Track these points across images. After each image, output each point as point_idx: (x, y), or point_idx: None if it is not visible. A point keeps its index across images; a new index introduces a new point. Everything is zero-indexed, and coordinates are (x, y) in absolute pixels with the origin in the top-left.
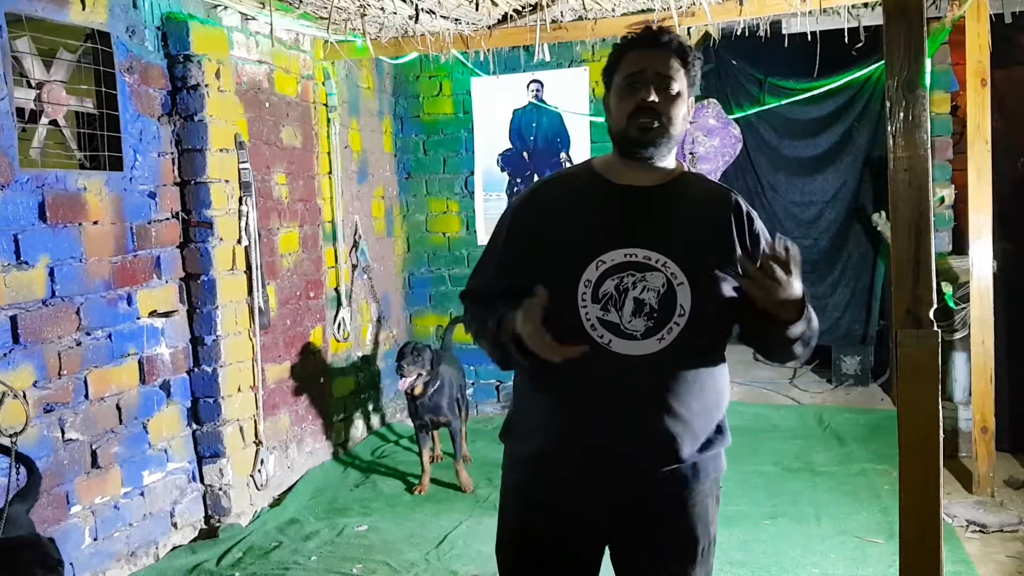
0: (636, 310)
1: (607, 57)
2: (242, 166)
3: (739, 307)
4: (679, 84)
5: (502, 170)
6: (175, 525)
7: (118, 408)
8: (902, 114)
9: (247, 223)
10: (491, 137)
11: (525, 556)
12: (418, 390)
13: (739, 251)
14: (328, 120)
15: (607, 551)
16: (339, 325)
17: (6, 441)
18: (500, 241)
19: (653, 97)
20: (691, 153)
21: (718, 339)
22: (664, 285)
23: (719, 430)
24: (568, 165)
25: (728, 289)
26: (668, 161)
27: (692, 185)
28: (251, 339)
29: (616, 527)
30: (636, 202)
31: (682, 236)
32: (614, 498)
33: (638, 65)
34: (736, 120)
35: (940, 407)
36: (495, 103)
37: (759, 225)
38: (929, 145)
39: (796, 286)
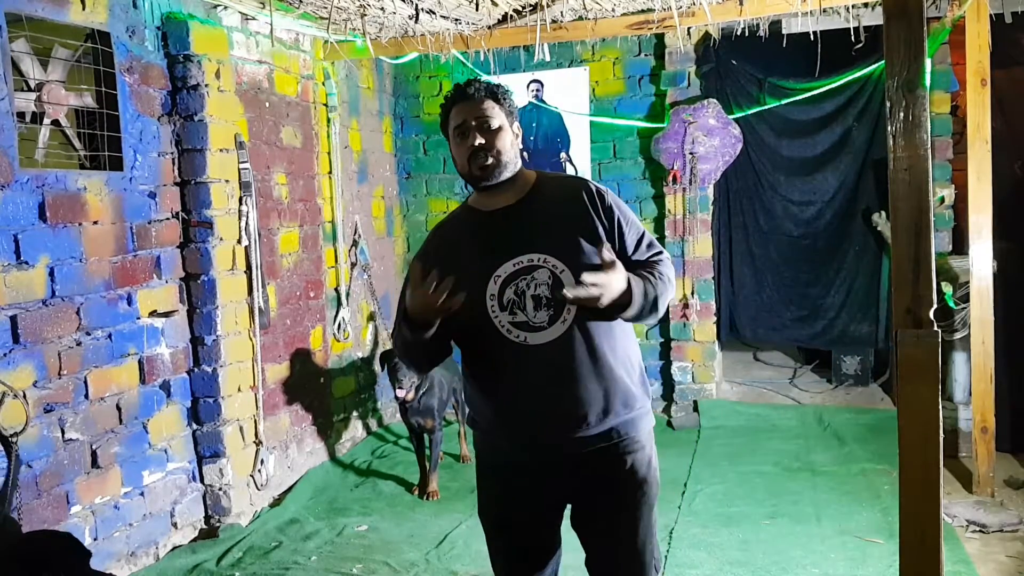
0: (536, 305)
1: (440, 116)
2: (242, 166)
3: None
4: (497, 119)
5: None
6: (175, 525)
7: (118, 408)
8: (902, 114)
9: (247, 223)
10: None
11: (498, 516)
12: (410, 396)
13: (595, 233)
14: (328, 120)
15: (567, 518)
16: (339, 325)
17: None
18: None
19: (479, 140)
20: (691, 153)
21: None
22: (550, 278)
23: (642, 384)
24: (568, 165)
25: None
26: (518, 176)
27: (548, 188)
28: (251, 339)
29: (569, 485)
30: (508, 220)
31: (552, 233)
32: (563, 459)
33: (460, 117)
34: (736, 120)
35: (940, 407)
36: None
37: (611, 199)
38: (929, 145)
39: (614, 290)
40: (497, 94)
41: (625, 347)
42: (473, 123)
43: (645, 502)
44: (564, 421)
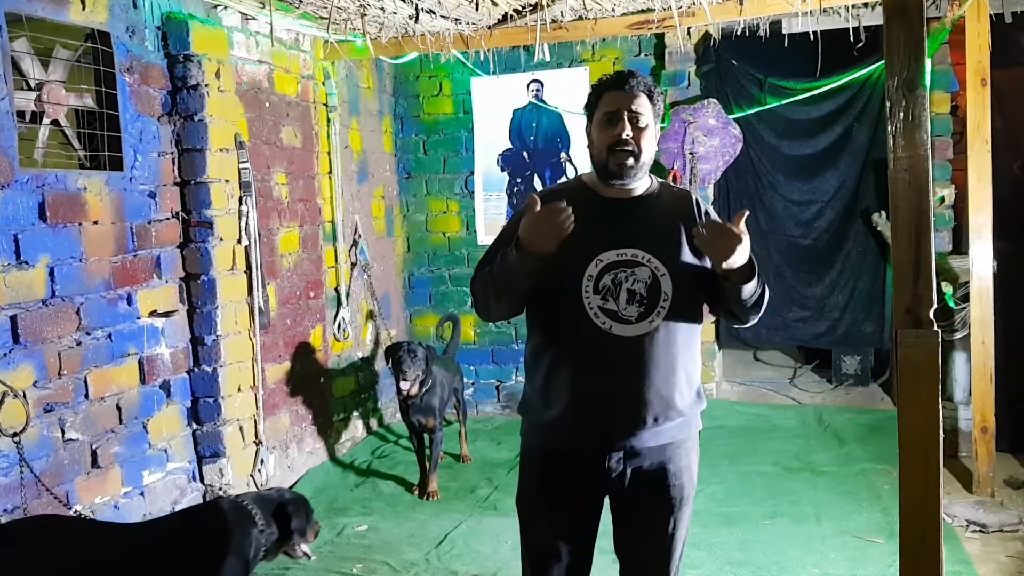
0: (629, 299)
1: (588, 96)
2: (242, 166)
3: (706, 278)
4: (647, 118)
5: (502, 170)
6: None
7: (118, 408)
8: (902, 114)
9: (247, 223)
10: (491, 137)
11: (538, 505)
12: (413, 390)
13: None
14: (328, 120)
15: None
16: (339, 325)
17: (8, 441)
18: (510, 235)
19: (628, 132)
20: (691, 153)
21: (695, 317)
22: (650, 277)
23: (698, 394)
24: (568, 165)
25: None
26: (643, 180)
27: (662, 193)
28: (251, 339)
29: (614, 477)
30: (622, 211)
31: (659, 236)
32: (614, 451)
33: (614, 104)
34: (736, 120)
35: (940, 407)
36: (495, 103)
37: (714, 215)
38: (929, 145)
39: (743, 249)
40: (652, 93)
41: (693, 356)
42: (626, 114)
43: (684, 498)
44: (626, 415)
